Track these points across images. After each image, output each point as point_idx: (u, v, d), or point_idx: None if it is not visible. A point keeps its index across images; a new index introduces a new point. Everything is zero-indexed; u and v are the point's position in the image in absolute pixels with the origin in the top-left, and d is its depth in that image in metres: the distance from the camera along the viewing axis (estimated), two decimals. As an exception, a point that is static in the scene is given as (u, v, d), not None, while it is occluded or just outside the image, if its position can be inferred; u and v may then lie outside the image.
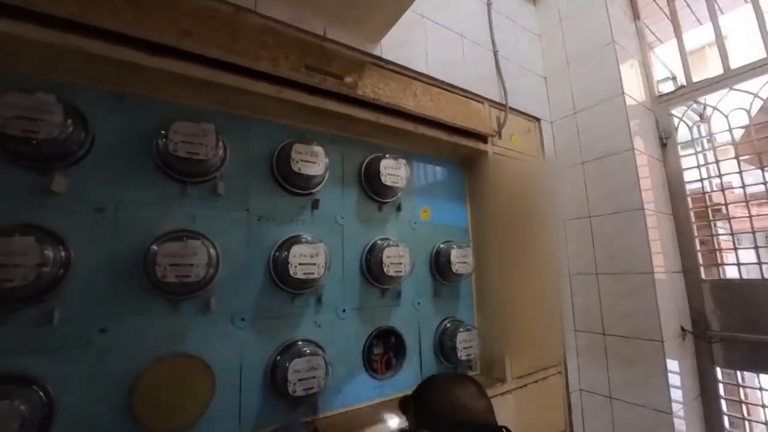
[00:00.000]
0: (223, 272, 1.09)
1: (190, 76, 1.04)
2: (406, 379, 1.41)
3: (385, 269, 1.31)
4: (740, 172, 1.69)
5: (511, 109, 1.85)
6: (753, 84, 1.69)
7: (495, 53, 1.85)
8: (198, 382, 1.02)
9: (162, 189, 1.06)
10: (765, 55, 1.62)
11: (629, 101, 1.78)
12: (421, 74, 1.52)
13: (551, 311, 1.82)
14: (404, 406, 1.02)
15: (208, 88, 1.10)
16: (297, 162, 1.19)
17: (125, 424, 0.92)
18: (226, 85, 1.09)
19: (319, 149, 1.24)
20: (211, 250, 1.03)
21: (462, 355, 1.46)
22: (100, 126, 1.00)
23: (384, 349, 1.41)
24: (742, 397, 1.67)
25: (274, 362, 1.13)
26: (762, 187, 1.64)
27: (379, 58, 1.41)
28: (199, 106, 1.15)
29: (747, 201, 1.68)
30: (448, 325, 1.55)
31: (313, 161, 1.22)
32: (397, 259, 1.34)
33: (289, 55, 1.16)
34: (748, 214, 1.67)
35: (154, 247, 0.95)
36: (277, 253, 1.18)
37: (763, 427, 1.58)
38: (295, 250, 1.13)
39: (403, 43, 1.50)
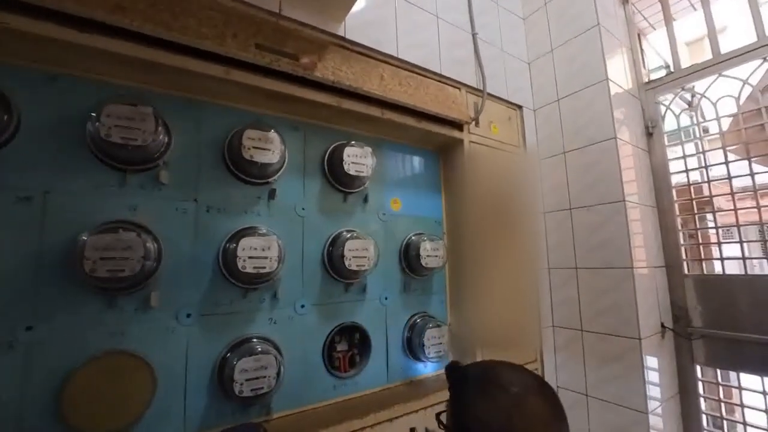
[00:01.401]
0: (167, 266, 1.03)
1: (126, 56, 0.96)
2: (371, 377, 1.36)
3: (346, 263, 1.24)
4: (726, 163, 1.62)
5: (491, 95, 1.77)
6: (743, 70, 1.61)
7: (474, 36, 1.76)
8: (136, 382, 0.96)
9: (98, 177, 0.99)
10: (755, 40, 1.53)
11: (614, 88, 1.70)
12: (390, 57, 1.43)
13: (529, 306, 1.76)
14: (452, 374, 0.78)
15: (149, 68, 1.02)
16: (249, 149, 1.12)
17: (55, 426, 0.86)
18: (168, 66, 1.01)
19: (273, 135, 1.16)
20: (149, 244, 0.96)
21: (430, 352, 1.41)
22: (27, 108, 0.92)
23: (348, 347, 1.35)
24: (721, 395, 1.62)
25: (223, 360, 1.08)
26: (749, 180, 1.56)
27: (343, 39, 1.32)
28: (142, 88, 1.07)
29: (733, 193, 1.61)
30: (417, 320, 1.49)
31: (268, 148, 1.15)
32: (360, 253, 1.28)
33: (237, 33, 1.08)
34: (733, 208, 1.60)
35: (84, 238, 0.88)
36: (227, 246, 1.11)
37: (741, 426, 1.53)
38: (245, 242, 1.06)
39: (371, 23, 1.41)
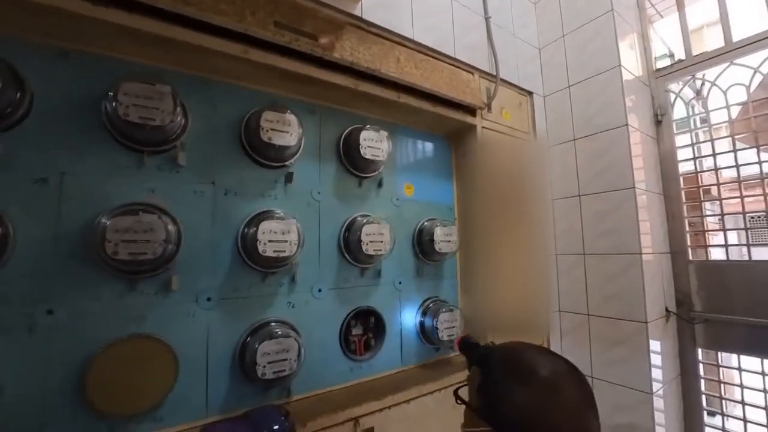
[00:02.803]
0: (186, 249, 1.01)
1: (141, 31, 0.92)
2: (386, 360, 1.38)
3: (363, 247, 1.24)
4: (734, 152, 1.64)
5: (503, 81, 1.75)
6: (754, 58, 1.61)
7: (487, 19, 1.73)
8: (159, 365, 0.95)
9: (115, 159, 0.96)
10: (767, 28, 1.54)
11: (626, 75, 1.70)
12: (405, 39, 1.40)
13: (537, 291, 1.79)
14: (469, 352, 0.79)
15: (165, 45, 0.98)
16: (267, 131, 1.09)
17: (79, 409, 0.86)
18: (185, 43, 0.97)
19: (291, 118, 1.14)
20: (170, 226, 0.94)
21: (443, 335, 1.42)
22: (40, 86, 0.89)
23: (363, 330, 1.36)
24: (721, 376, 1.68)
25: (243, 344, 1.07)
26: (756, 168, 1.58)
27: (360, 19, 1.29)
28: (156, 66, 1.04)
29: (740, 182, 1.63)
30: (430, 305, 1.50)
31: (286, 131, 1.13)
32: (376, 237, 1.27)
33: (256, 11, 1.04)
34: (740, 196, 1.63)
35: (104, 221, 0.86)
36: (245, 230, 1.10)
37: (740, 406, 1.59)
38: (265, 226, 1.05)
39: (386, 4, 1.38)
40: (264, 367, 1.01)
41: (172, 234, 0.94)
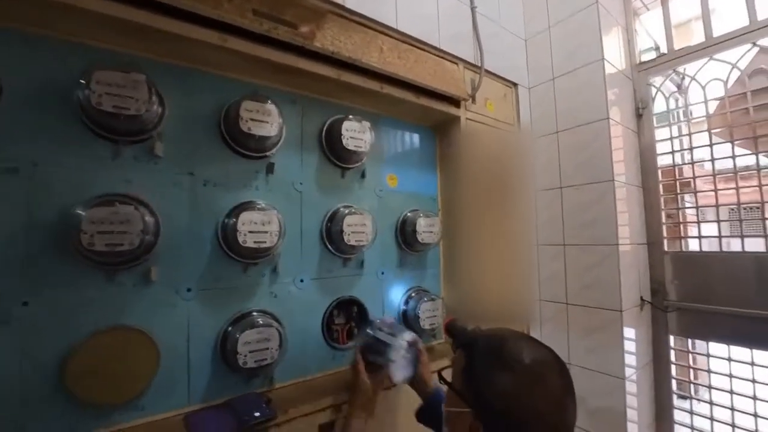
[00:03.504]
0: (166, 241, 1.01)
1: (114, 17, 0.90)
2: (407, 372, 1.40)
3: (345, 238, 1.25)
4: (710, 146, 1.68)
5: (488, 72, 1.75)
6: (733, 54, 1.64)
7: (473, 9, 1.72)
8: (140, 355, 0.96)
9: (89, 149, 0.94)
10: (747, 23, 1.56)
11: (609, 68, 1.71)
12: (389, 28, 1.39)
13: (519, 281, 1.83)
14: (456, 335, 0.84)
15: (141, 33, 0.96)
16: (246, 121, 1.08)
17: (61, 400, 0.86)
18: (161, 31, 0.95)
19: (272, 107, 1.13)
20: (147, 217, 0.94)
21: (425, 324, 1.45)
22: (10, 74, 0.86)
23: (346, 320, 1.38)
24: (691, 362, 1.75)
25: (225, 334, 1.08)
26: (731, 162, 1.63)
27: (342, 8, 1.27)
28: (132, 54, 1.01)
29: (715, 175, 1.68)
30: (413, 294, 1.53)
31: (266, 120, 1.12)
32: (358, 228, 1.28)
33: (234, -2, 1.02)
34: (714, 189, 1.67)
35: (80, 212, 0.86)
36: (226, 221, 1.09)
37: (706, 390, 1.67)
38: (245, 217, 1.05)
39: (370, -8, 1.36)
40: (245, 356, 1.03)
41: (149, 225, 0.94)
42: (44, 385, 0.85)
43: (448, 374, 0.76)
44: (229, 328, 1.09)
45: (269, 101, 1.13)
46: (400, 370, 1.11)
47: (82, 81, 0.88)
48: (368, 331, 1.19)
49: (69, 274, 0.90)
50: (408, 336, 1.16)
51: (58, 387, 0.86)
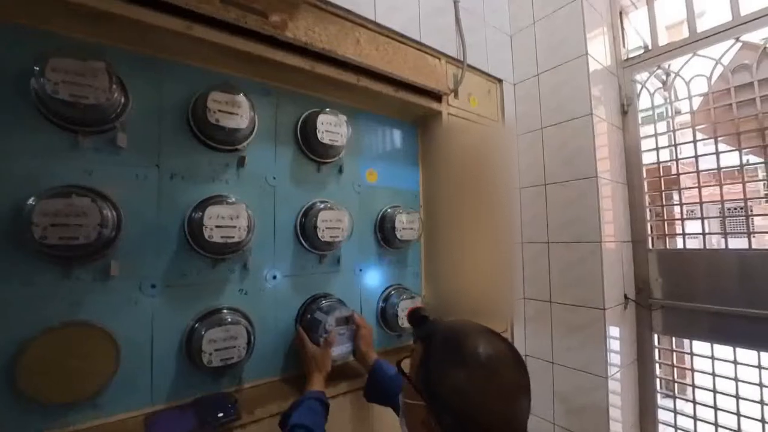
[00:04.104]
0: (128, 235, 0.98)
1: (71, 2, 0.86)
2: (344, 348, 1.37)
3: (319, 234, 1.22)
4: (694, 142, 1.66)
5: (471, 67, 1.73)
6: (717, 50, 1.63)
7: (455, 3, 1.69)
8: (97, 352, 0.92)
9: (46, 139, 0.91)
10: (730, 19, 1.55)
11: (593, 64, 1.69)
12: (367, 20, 1.36)
13: (501, 279, 1.80)
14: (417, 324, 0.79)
15: (101, 19, 0.92)
16: (214, 112, 1.05)
17: (10, 398, 0.83)
18: (122, 17, 0.92)
19: (241, 99, 1.10)
20: (106, 211, 0.90)
21: (404, 322, 1.42)
22: (-42, 59, 0.83)
23: (322, 317, 1.34)
24: (674, 361, 1.74)
25: (191, 331, 1.05)
26: (714, 159, 1.61)
27: (317, -2, 1.24)
28: (94, 41, 0.98)
29: (698, 172, 1.66)
30: (392, 292, 1.50)
31: (235, 112, 1.09)
32: (333, 224, 1.25)
33: (200, -16, 0.99)
34: (697, 186, 1.66)
35: (31, 203, 0.82)
36: (192, 215, 1.06)
37: (690, 388, 1.65)
38: (211, 211, 1.01)
39: (347, -18, 1.33)
40: (210, 354, 1.00)
41: (108, 218, 0.90)
42: (-6, 384, 0.82)
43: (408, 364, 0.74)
44: (196, 326, 1.06)
45: (240, 93, 1.10)
46: (336, 346, 1.18)
47: (36, 68, 0.85)
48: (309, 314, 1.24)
49: (22, 267, 0.86)
50: (340, 312, 1.20)
51: (6, 385, 0.82)
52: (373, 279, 1.48)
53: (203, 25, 1.01)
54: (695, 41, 1.64)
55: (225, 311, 1.12)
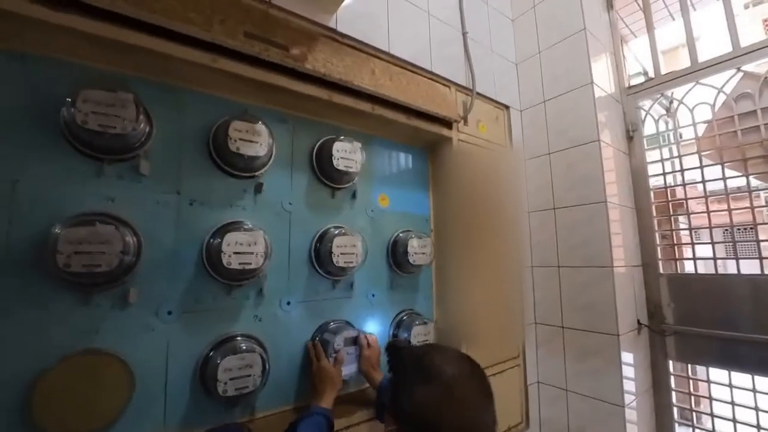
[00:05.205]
0: (147, 261, 0.98)
1: (104, 38, 0.90)
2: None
3: (334, 259, 1.22)
4: (701, 168, 1.69)
5: (480, 95, 1.77)
6: (719, 79, 1.67)
7: (464, 35, 1.76)
8: (112, 381, 0.91)
9: (72, 167, 0.93)
10: (731, 50, 1.60)
11: (598, 92, 1.74)
12: (381, 51, 1.42)
13: (512, 304, 1.79)
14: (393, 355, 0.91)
15: (130, 52, 0.96)
16: (235, 141, 1.08)
17: (21, 425, 0.81)
18: (150, 50, 0.96)
19: (261, 128, 1.13)
20: (128, 237, 0.91)
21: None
22: (-6, 90, 0.86)
23: (334, 344, 1.33)
24: (691, 389, 1.70)
25: (206, 359, 1.04)
26: (721, 184, 1.63)
27: (334, 31, 1.29)
28: (120, 72, 1.02)
29: (706, 197, 1.68)
30: (404, 317, 1.49)
31: (255, 141, 1.11)
32: (348, 249, 1.26)
33: (225, 20, 1.03)
34: (706, 210, 1.67)
35: (57, 231, 0.83)
36: (210, 241, 1.07)
37: (709, 418, 1.61)
38: (230, 237, 1.02)
39: (362, 16, 1.39)
40: (225, 384, 0.98)
41: (130, 245, 0.91)
42: (9, 414, 0.80)
43: None
44: (211, 353, 1.05)
45: (259, 122, 1.13)
46: (346, 365, 1.21)
47: (69, 99, 0.88)
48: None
49: (42, 293, 0.86)
50: (348, 333, 1.23)
51: (23, 415, 0.81)
52: (386, 304, 1.47)
53: (227, 58, 1.04)
54: (697, 70, 1.69)
55: (239, 338, 1.11)
